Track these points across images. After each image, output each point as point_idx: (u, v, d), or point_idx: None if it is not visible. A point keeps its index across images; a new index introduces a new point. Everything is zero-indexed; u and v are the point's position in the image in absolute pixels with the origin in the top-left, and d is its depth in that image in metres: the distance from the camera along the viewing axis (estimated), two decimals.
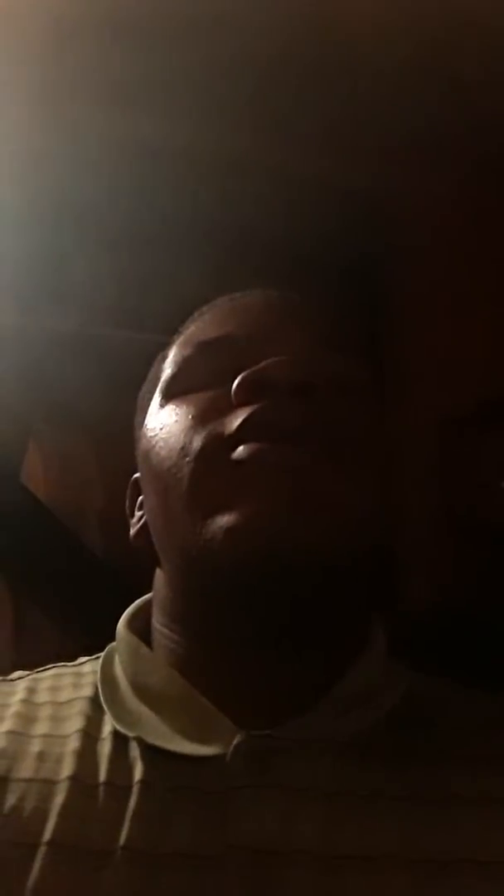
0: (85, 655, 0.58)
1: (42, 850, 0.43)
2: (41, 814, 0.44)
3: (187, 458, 0.48)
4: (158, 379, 0.55)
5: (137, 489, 0.58)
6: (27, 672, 0.56)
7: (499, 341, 0.97)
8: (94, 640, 0.57)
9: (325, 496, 0.46)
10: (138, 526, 0.56)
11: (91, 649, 0.57)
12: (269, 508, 0.45)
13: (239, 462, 0.46)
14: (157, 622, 0.53)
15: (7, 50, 0.86)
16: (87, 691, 0.52)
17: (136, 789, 0.45)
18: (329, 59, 0.89)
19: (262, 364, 0.48)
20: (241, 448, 0.46)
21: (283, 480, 0.45)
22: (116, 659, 0.54)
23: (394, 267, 1.10)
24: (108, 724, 0.49)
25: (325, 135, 0.99)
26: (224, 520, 0.45)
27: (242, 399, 0.48)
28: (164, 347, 0.58)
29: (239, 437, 0.47)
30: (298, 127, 0.97)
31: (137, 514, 0.57)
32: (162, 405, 0.53)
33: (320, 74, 0.90)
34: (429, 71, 0.90)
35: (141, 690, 0.50)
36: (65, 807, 0.44)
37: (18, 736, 0.49)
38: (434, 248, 1.06)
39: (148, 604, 0.56)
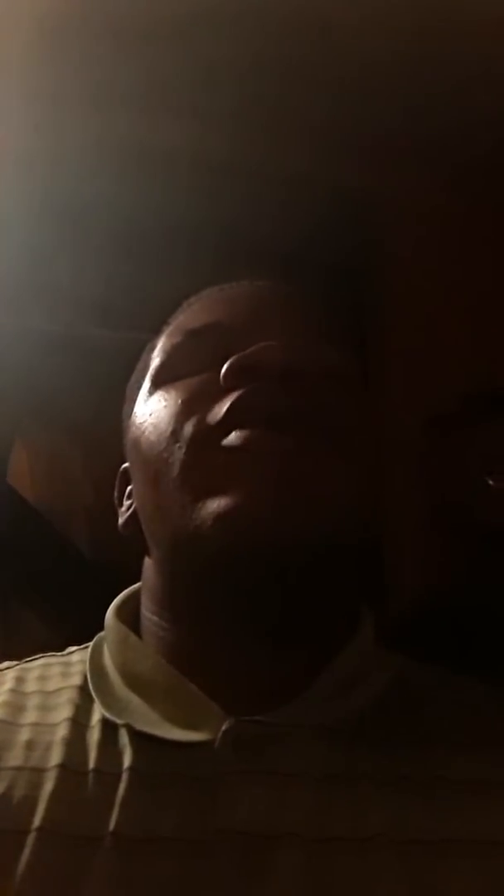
0: (77, 646, 0.58)
1: (31, 836, 0.43)
2: (30, 801, 0.44)
3: (178, 444, 0.48)
4: (147, 368, 0.56)
5: (126, 479, 0.58)
6: (15, 662, 0.56)
7: (482, 337, 0.98)
8: (82, 637, 0.58)
9: (314, 481, 0.46)
10: (127, 515, 0.56)
11: (78, 645, 0.58)
12: (258, 494, 0.45)
13: (229, 449, 0.46)
14: (146, 610, 0.54)
15: None
16: (76, 680, 0.52)
17: (125, 776, 0.45)
18: (317, 60, 0.89)
19: (252, 349, 0.48)
20: (231, 435, 0.47)
21: (273, 466, 0.45)
22: (105, 648, 0.54)
23: (380, 265, 1.11)
24: (97, 712, 0.49)
25: (313, 135, 0.99)
26: (214, 505, 0.45)
27: (231, 383, 0.48)
28: None
29: (228, 423, 0.47)
30: (287, 127, 0.97)
31: (126, 503, 0.58)
32: (151, 393, 0.53)
33: (309, 75, 0.91)
34: (418, 71, 0.90)
35: (130, 678, 0.51)
36: (54, 794, 0.44)
37: (7, 725, 0.49)
38: (420, 247, 1.06)
39: (136, 593, 0.56)
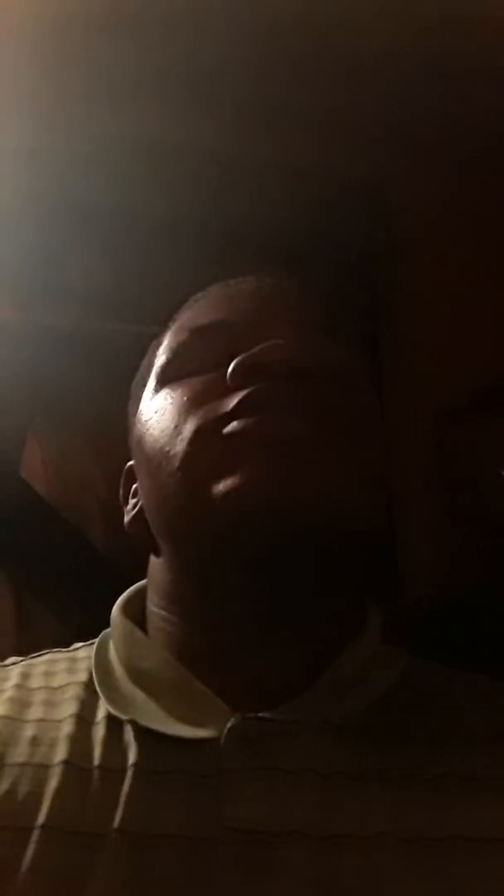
0: (84, 643, 0.58)
1: (36, 833, 0.43)
2: (35, 798, 0.44)
3: (180, 437, 0.48)
4: (153, 365, 0.55)
5: (132, 476, 0.58)
6: (21, 657, 0.56)
7: (496, 330, 0.97)
8: (94, 629, 0.57)
9: (322, 461, 0.46)
10: (133, 512, 0.56)
11: (91, 639, 0.57)
12: (265, 472, 0.45)
13: (231, 435, 0.46)
14: (154, 605, 0.53)
15: (2, 48, 0.86)
16: (82, 676, 0.52)
17: (130, 773, 0.45)
18: (325, 53, 0.89)
19: (258, 348, 0.48)
20: (233, 423, 0.47)
21: (278, 448, 0.45)
22: (111, 644, 0.54)
23: (391, 258, 1.10)
24: (102, 709, 0.49)
25: (322, 128, 0.99)
26: (221, 486, 0.45)
27: (238, 382, 0.48)
28: None
29: (234, 415, 0.47)
30: (295, 120, 0.97)
31: (132, 500, 0.57)
32: (157, 390, 0.53)
33: (317, 68, 0.90)
34: (426, 63, 0.90)
35: (135, 674, 0.51)
36: (59, 790, 0.44)
37: (12, 721, 0.49)
38: (431, 239, 1.06)
39: (143, 590, 0.56)
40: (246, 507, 0.44)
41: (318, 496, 0.45)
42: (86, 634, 0.58)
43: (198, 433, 0.48)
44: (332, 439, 0.47)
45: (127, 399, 0.60)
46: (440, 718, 0.49)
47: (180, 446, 0.48)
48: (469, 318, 1.01)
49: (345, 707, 0.48)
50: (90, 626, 0.58)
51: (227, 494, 0.45)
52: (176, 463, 0.48)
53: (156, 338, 0.59)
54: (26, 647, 0.59)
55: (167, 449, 0.48)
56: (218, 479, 0.46)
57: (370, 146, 1.01)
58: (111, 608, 0.57)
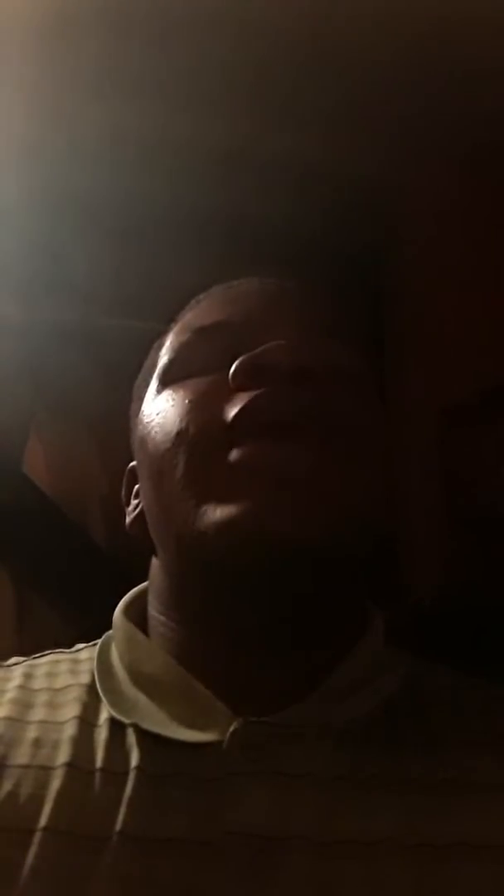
0: (86, 643, 0.58)
1: (38, 835, 0.43)
2: (37, 800, 0.44)
3: (183, 445, 0.48)
4: (155, 366, 0.55)
5: (133, 477, 0.58)
6: (24, 658, 0.56)
7: (499, 329, 0.97)
8: (96, 628, 0.57)
9: (319, 493, 0.45)
10: (134, 514, 0.56)
11: (93, 638, 0.57)
12: (263, 506, 0.44)
13: (232, 465, 0.46)
14: (154, 609, 0.53)
15: (5, 44, 0.86)
16: (84, 678, 0.52)
17: (132, 776, 0.45)
18: (328, 50, 0.88)
19: (261, 348, 0.48)
20: (234, 452, 0.46)
21: (277, 482, 0.45)
22: (113, 646, 0.54)
23: (394, 256, 1.10)
24: (105, 711, 0.49)
25: (325, 124, 0.98)
26: (218, 513, 0.45)
27: (240, 383, 0.48)
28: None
29: (234, 432, 0.47)
30: (298, 117, 0.97)
31: (133, 502, 0.57)
32: (159, 391, 0.53)
33: (320, 65, 0.90)
34: (429, 60, 0.89)
35: (137, 677, 0.50)
36: (61, 793, 0.44)
37: (15, 722, 0.49)
38: (434, 238, 1.05)
39: (144, 592, 0.56)
40: (240, 542, 0.44)
41: (318, 531, 0.45)
42: (87, 632, 0.58)
43: (201, 444, 0.47)
44: (333, 458, 0.47)
45: (129, 395, 0.59)
46: (443, 722, 0.49)
47: (183, 456, 0.48)
48: (472, 318, 1.01)
49: (348, 711, 0.47)
50: (91, 624, 0.58)
51: (223, 524, 0.45)
52: (179, 473, 0.48)
53: (159, 335, 0.59)
54: (28, 642, 0.59)
55: (170, 456, 0.48)
56: (216, 501, 0.45)
57: (374, 144, 1.01)
58: (112, 606, 0.56)
